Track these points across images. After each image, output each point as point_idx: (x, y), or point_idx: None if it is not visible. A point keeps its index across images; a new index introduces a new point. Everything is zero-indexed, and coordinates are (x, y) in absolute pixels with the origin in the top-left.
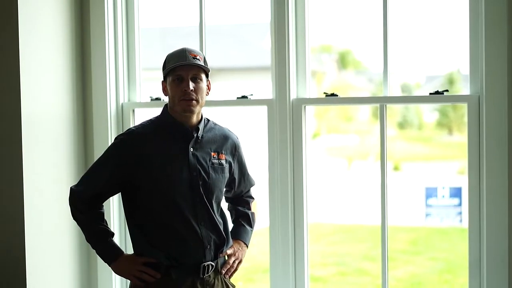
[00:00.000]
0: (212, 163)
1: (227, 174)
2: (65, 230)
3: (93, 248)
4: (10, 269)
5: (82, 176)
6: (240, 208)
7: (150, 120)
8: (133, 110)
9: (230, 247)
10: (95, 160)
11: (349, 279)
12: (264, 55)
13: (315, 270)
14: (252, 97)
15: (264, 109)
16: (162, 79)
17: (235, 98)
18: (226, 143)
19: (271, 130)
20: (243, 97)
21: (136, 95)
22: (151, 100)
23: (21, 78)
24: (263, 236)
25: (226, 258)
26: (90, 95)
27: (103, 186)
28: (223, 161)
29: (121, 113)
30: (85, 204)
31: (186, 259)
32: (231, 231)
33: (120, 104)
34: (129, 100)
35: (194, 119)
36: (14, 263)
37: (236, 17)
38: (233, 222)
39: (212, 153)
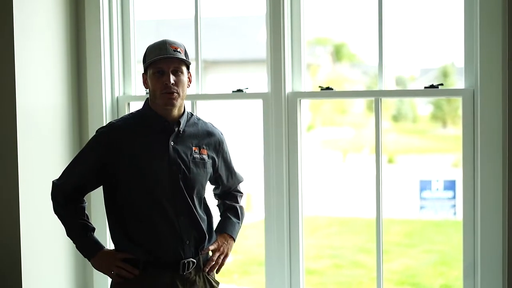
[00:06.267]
0: (194, 158)
1: (209, 170)
2: (61, 227)
3: (73, 243)
4: (5, 269)
5: (64, 170)
6: (227, 201)
7: (132, 113)
8: (129, 104)
9: (213, 243)
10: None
11: (344, 271)
12: (259, 48)
13: (310, 262)
14: (247, 91)
15: (259, 102)
16: (143, 72)
17: (230, 92)
18: (209, 138)
19: (266, 124)
20: (239, 90)
21: (131, 88)
22: (147, 93)
23: (16, 72)
24: (258, 229)
25: (211, 254)
26: (85, 88)
27: (84, 179)
28: (205, 156)
29: (117, 106)
30: (66, 198)
31: (164, 255)
32: (217, 225)
33: (115, 97)
34: (124, 94)
35: (176, 112)
36: (9, 262)
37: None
38: (220, 216)
39: (194, 148)
